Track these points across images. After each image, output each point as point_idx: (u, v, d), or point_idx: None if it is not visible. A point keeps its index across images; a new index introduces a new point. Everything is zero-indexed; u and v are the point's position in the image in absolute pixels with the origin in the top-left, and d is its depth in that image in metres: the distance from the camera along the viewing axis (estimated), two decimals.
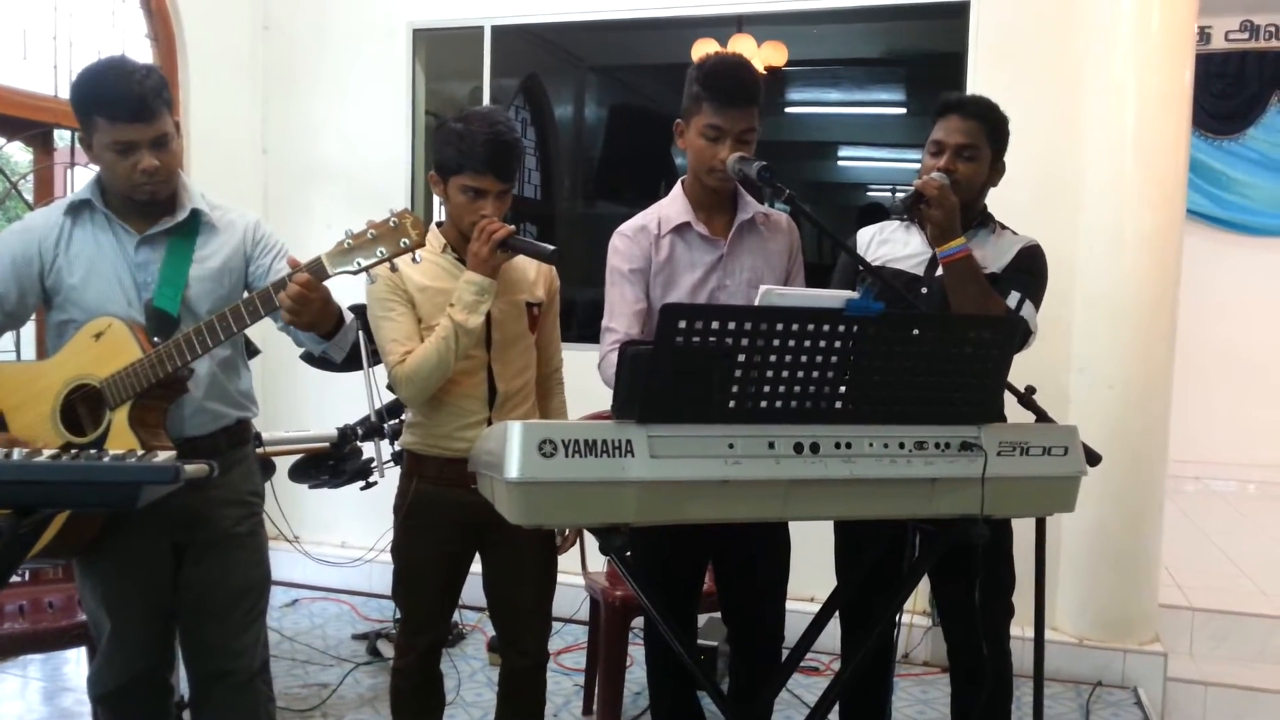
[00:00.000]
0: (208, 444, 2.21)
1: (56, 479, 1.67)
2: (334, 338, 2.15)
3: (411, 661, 2.44)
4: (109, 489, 1.68)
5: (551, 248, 2.22)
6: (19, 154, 4.25)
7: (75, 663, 3.70)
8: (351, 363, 2.86)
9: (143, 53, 4.28)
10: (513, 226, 2.22)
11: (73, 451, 1.77)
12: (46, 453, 1.73)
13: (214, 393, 2.23)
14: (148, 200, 2.14)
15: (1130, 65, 3.65)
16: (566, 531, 2.57)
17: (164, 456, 1.75)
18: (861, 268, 2.31)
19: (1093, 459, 2.04)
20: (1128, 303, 3.68)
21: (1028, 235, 2.52)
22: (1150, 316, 3.68)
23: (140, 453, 1.80)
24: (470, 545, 2.42)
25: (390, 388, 2.38)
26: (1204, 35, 6.33)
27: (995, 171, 2.48)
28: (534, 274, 2.44)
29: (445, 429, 2.34)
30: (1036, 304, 2.45)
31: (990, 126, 2.43)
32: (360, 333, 2.46)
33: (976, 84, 3.84)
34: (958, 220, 2.30)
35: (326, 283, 2.04)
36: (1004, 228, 2.53)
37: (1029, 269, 2.45)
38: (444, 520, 2.35)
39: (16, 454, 1.71)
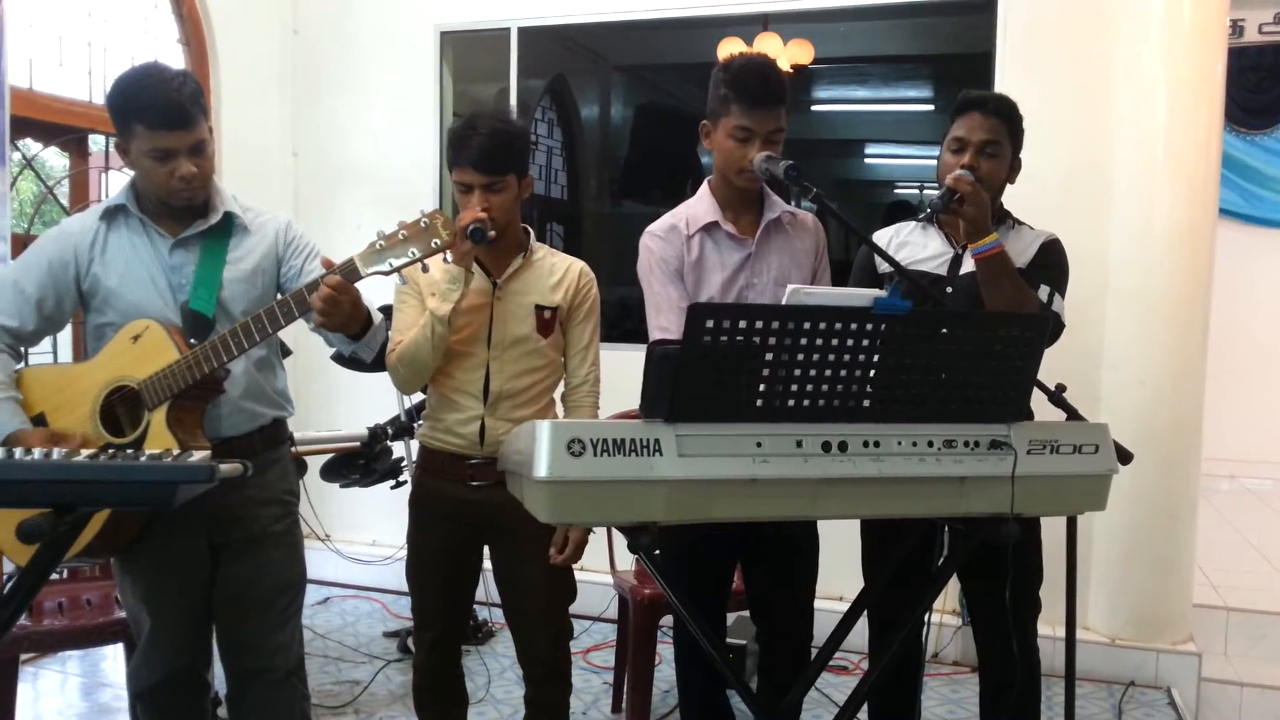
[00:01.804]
0: (244, 444, 2.24)
1: (94, 478, 1.70)
2: (363, 338, 2.18)
3: (424, 657, 2.47)
4: (146, 488, 1.71)
5: (485, 225, 2.19)
6: (54, 159, 4.31)
7: (113, 659, 3.76)
8: (382, 363, 2.88)
9: (174, 58, 4.34)
10: (481, 214, 2.22)
11: (109, 451, 1.80)
12: (85, 453, 1.77)
13: (250, 393, 2.26)
14: (184, 206, 2.18)
15: (1161, 58, 3.61)
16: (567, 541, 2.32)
17: (199, 456, 1.77)
18: (891, 266, 2.31)
19: (1124, 457, 2.02)
20: (1159, 299, 3.64)
21: (1045, 229, 2.53)
22: (1182, 313, 3.64)
23: (176, 452, 1.83)
24: (473, 542, 2.43)
25: None
26: (1237, 28, 6.24)
27: (1013, 169, 2.49)
28: (556, 279, 2.42)
29: (445, 422, 2.39)
30: (1063, 296, 2.46)
31: (1011, 124, 2.45)
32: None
33: (1005, 79, 3.82)
34: (989, 216, 2.30)
35: (359, 284, 2.06)
36: (1020, 223, 2.54)
37: (1053, 263, 2.47)
38: (443, 513, 2.40)
39: (56, 454, 1.75)
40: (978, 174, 2.37)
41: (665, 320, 2.32)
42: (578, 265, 2.48)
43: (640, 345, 2.16)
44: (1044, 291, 2.39)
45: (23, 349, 2.24)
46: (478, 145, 2.26)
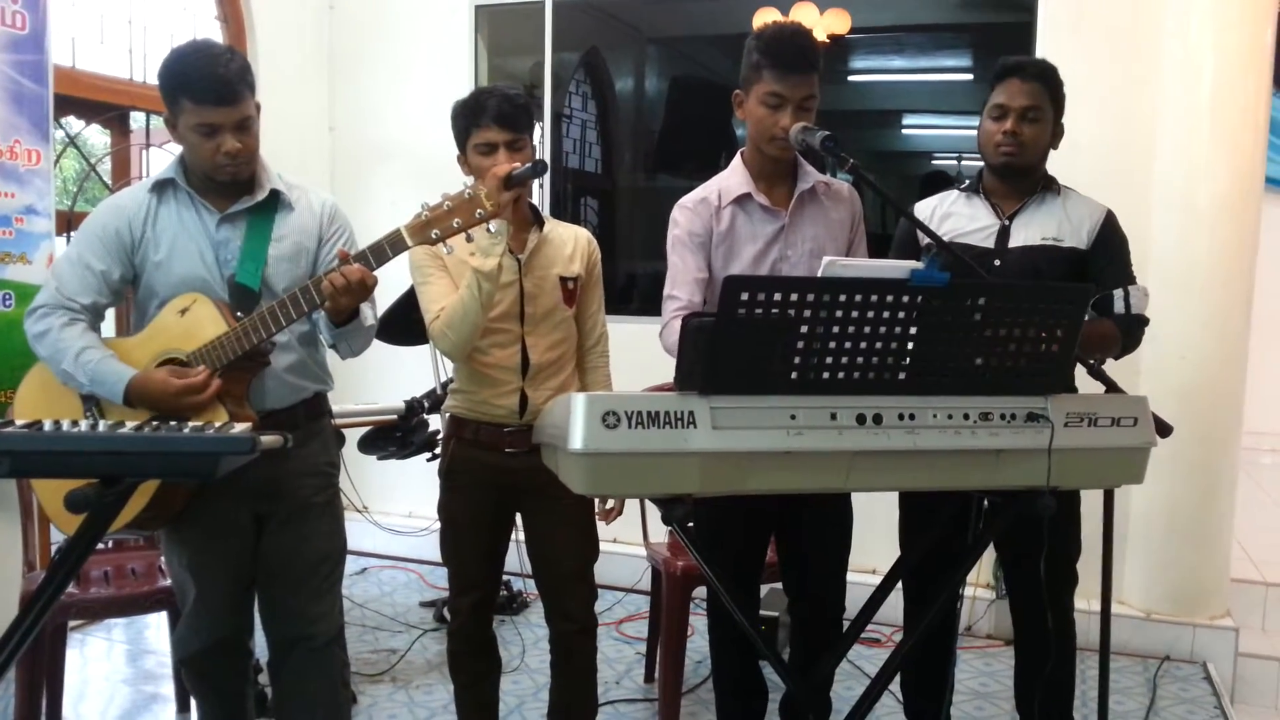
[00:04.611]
0: (288, 417, 2.27)
1: (140, 450, 1.74)
2: (348, 325, 2.19)
3: (462, 623, 2.51)
4: (189, 459, 1.75)
5: (536, 159, 2.26)
6: (96, 137, 4.37)
7: (156, 627, 3.84)
8: (418, 337, 2.91)
9: (212, 34, 4.37)
10: (515, 165, 2.23)
11: (154, 424, 1.84)
12: (130, 425, 1.81)
13: (294, 366, 2.30)
14: (229, 181, 2.21)
15: (1208, 23, 3.53)
16: (610, 501, 2.58)
17: (241, 428, 1.81)
18: (931, 240, 2.29)
19: (1164, 430, 2.01)
20: (1202, 271, 3.58)
21: (1090, 197, 2.51)
22: (1225, 285, 3.58)
23: (218, 425, 1.86)
24: (507, 507, 2.47)
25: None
26: None
27: (1055, 134, 2.48)
28: (570, 249, 2.47)
29: (481, 395, 2.42)
30: (1135, 282, 2.46)
31: (1051, 88, 2.43)
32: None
33: (1046, 46, 3.75)
34: None
35: (404, 255, 2.12)
36: (1065, 189, 2.52)
37: (1121, 255, 2.45)
38: (479, 481, 2.43)
39: (102, 426, 1.79)
40: (1020, 139, 2.38)
41: (679, 290, 2.34)
42: (584, 233, 2.54)
43: None
44: (1119, 300, 2.39)
45: (98, 324, 2.29)
46: (496, 105, 2.32)
